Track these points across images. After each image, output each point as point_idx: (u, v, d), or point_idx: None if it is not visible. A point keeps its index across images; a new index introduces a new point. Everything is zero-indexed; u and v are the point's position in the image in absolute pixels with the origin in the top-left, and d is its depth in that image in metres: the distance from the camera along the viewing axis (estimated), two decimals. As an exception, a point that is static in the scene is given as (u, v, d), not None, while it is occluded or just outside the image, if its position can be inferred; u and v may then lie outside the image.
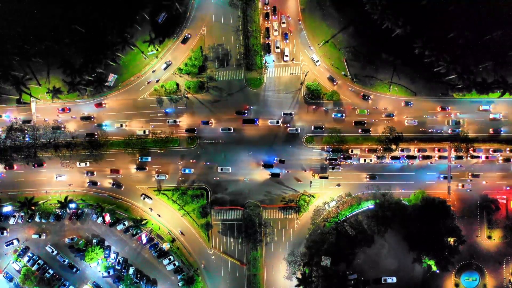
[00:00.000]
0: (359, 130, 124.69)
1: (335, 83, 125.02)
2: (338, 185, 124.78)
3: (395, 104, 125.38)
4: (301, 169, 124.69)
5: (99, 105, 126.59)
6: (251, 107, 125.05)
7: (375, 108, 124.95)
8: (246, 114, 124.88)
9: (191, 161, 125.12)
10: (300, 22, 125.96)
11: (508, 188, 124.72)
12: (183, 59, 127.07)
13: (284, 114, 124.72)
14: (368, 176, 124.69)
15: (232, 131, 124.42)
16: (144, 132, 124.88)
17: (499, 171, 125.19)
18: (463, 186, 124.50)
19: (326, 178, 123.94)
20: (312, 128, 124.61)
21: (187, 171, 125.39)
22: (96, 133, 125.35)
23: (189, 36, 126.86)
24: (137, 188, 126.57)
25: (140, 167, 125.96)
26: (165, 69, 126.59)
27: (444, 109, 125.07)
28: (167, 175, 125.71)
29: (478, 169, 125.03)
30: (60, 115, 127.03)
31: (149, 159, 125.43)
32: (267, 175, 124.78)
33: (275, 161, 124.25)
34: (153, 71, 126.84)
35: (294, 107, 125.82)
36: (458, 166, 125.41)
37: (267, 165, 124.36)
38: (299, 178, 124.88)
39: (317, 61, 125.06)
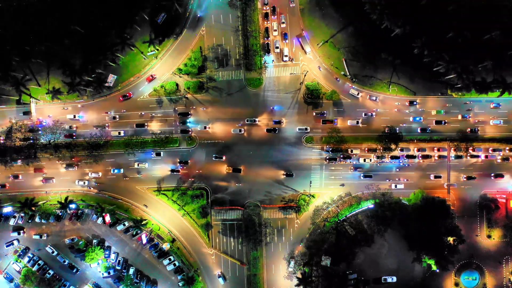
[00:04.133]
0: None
1: (376, 100, 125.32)
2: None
3: (481, 106, 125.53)
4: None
5: (151, 78, 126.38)
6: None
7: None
8: (325, 114, 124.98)
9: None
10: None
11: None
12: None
13: (365, 115, 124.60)
14: (285, 173, 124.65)
15: (308, 130, 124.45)
16: (240, 131, 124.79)
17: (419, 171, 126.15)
18: (395, 186, 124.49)
19: (239, 171, 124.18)
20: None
21: (116, 171, 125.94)
22: (190, 130, 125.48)
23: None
24: (137, 189, 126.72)
25: (69, 165, 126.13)
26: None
27: None
28: (100, 173, 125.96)
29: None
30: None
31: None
32: (167, 171, 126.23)
33: (152, 155, 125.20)
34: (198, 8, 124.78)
35: (294, 107, 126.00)
36: (407, 165, 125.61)
37: (182, 162, 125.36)
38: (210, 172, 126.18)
39: (358, 93, 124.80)
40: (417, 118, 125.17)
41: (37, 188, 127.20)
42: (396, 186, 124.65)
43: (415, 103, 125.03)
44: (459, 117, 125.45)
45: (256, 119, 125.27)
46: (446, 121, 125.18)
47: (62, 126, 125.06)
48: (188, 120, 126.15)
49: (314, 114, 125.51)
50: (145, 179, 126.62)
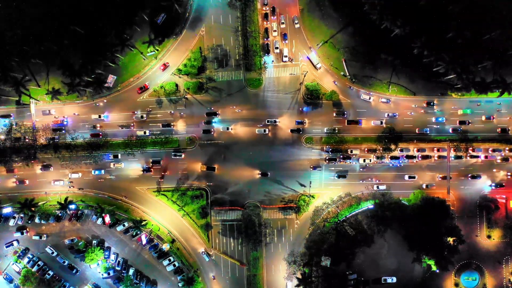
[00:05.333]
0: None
1: (389, 102, 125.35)
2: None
3: (509, 106, 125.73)
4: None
5: (165, 66, 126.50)
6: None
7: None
8: (345, 115, 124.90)
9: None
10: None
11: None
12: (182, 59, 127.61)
13: (388, 115, 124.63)
14: (260, 173, 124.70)
15: (337, 131, 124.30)
16: (264, 131, 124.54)
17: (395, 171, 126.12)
18: (377, 187, 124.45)
19: (214, 170, 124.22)
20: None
21: (97, 172, 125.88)
22: (211, 130, 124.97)
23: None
24: (137, 189, 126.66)
25: (45, 166, 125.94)
26: None
27: None
28: (80, 173, 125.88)
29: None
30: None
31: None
32: (139, 171, 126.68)
33: (110, 157, 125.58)
34: None
35: (293, 107, 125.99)
36: (397, 164, 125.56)
37: (154, 162, 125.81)
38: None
39: (370, 98, 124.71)
40: (440, 119, 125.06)
41: (33, 189, 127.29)
42: (378, 187, 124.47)
43: (432, 104, 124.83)
44: (483, 118, 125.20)
45: (277, 120, 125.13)
46: (470, 121, 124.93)
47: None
48: (213, 120, 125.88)
49: (334, 115, 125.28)
50: (116, 180, 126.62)
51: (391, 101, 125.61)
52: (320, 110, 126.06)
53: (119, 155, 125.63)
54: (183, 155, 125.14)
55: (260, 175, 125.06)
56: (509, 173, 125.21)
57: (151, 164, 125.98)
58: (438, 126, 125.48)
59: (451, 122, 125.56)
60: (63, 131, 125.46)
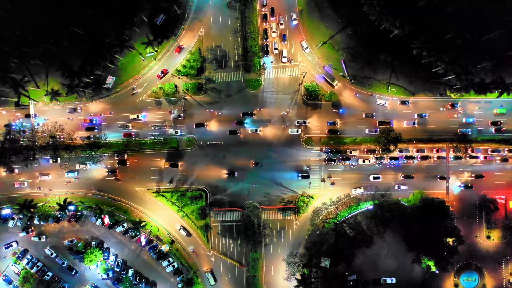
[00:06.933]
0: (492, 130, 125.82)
1: (407, 104, 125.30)
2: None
3: None
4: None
5: (180, 49, 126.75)
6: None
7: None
8: (375, 116, 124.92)
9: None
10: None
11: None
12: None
13: (418, 115, 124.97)
14: (227, 172, 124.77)
15: (378, 132, 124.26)
16: (297, 131, 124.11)
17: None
18: (356, 190, 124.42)
19: (176, 166, 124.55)
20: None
21: (70, 174, 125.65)
22: (239, 131, 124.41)
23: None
24: (136, 190, 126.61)
25: (10, 170, 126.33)
26: None
27: None
28: (50, 176, 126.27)
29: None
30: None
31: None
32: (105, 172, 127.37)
33: (49, 162, 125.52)
34: None
35: (293, 108, 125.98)
36: (390, 165, 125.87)
37: (120, 163, 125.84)
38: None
39: (385, 102, 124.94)
40: (471, 119, 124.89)
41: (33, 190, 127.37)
42: (355, 191, 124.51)
43: (456, 105, 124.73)
44: None
45: (306, 121, 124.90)
46: (501, 121, 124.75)
47: (61, 127, 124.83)
48: (245, 121, 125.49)
49: (363, 116, 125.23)
50: (79, 182, 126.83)
51: (409, 102, 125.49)
52: (351, 111, 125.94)
53: (58, 160, 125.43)
54: (125, 156, 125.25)
55: (227, 175, 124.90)
56: (472, 175, 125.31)
57: (117, 165, 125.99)
58: (481, 128, 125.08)
59: (482, 122, 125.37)
60: (96, 130, 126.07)
